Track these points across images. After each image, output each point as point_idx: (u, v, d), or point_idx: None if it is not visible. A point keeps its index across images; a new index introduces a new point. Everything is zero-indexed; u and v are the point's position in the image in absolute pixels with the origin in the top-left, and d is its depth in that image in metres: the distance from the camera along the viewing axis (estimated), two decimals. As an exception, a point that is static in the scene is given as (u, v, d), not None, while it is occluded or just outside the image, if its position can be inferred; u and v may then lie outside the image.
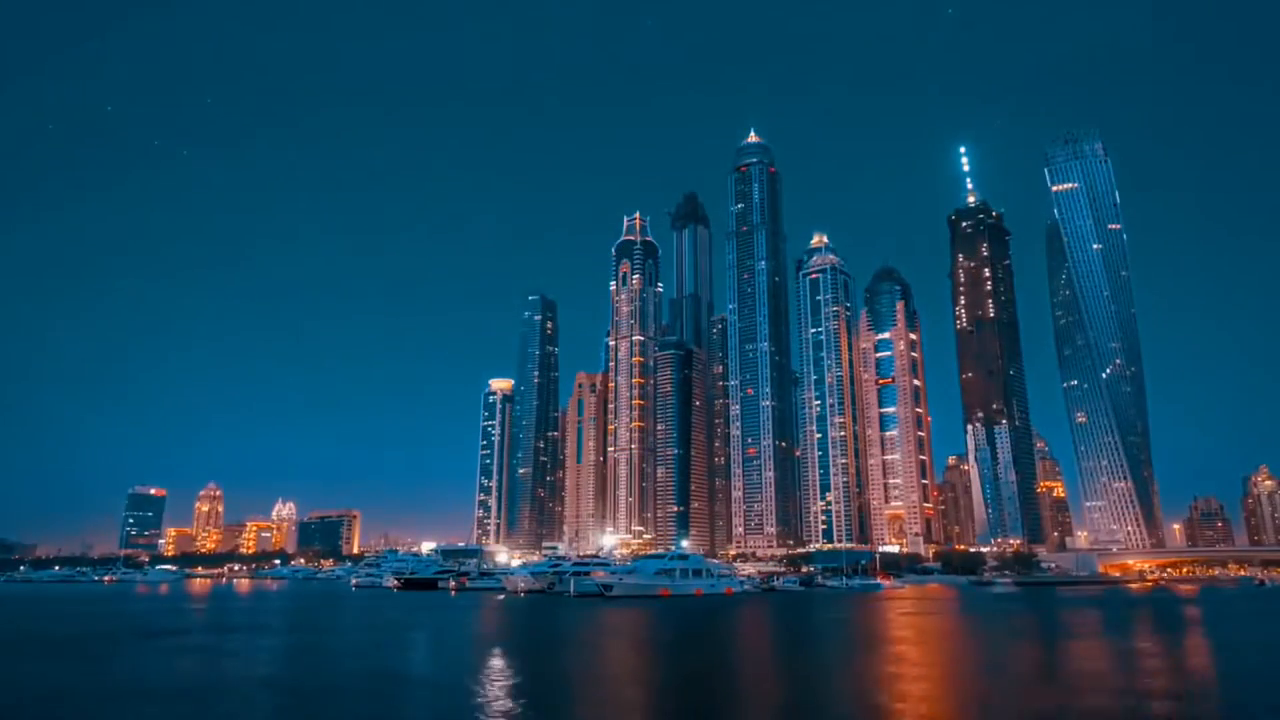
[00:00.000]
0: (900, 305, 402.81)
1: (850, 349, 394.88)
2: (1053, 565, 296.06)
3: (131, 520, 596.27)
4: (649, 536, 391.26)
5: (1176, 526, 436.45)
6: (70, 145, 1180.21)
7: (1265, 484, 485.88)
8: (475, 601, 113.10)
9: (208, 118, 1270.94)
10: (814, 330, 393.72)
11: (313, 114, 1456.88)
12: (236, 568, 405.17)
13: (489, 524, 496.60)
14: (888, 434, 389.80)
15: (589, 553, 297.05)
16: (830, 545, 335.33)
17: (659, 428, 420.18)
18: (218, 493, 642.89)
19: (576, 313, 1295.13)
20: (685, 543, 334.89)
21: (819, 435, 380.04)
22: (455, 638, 59.14)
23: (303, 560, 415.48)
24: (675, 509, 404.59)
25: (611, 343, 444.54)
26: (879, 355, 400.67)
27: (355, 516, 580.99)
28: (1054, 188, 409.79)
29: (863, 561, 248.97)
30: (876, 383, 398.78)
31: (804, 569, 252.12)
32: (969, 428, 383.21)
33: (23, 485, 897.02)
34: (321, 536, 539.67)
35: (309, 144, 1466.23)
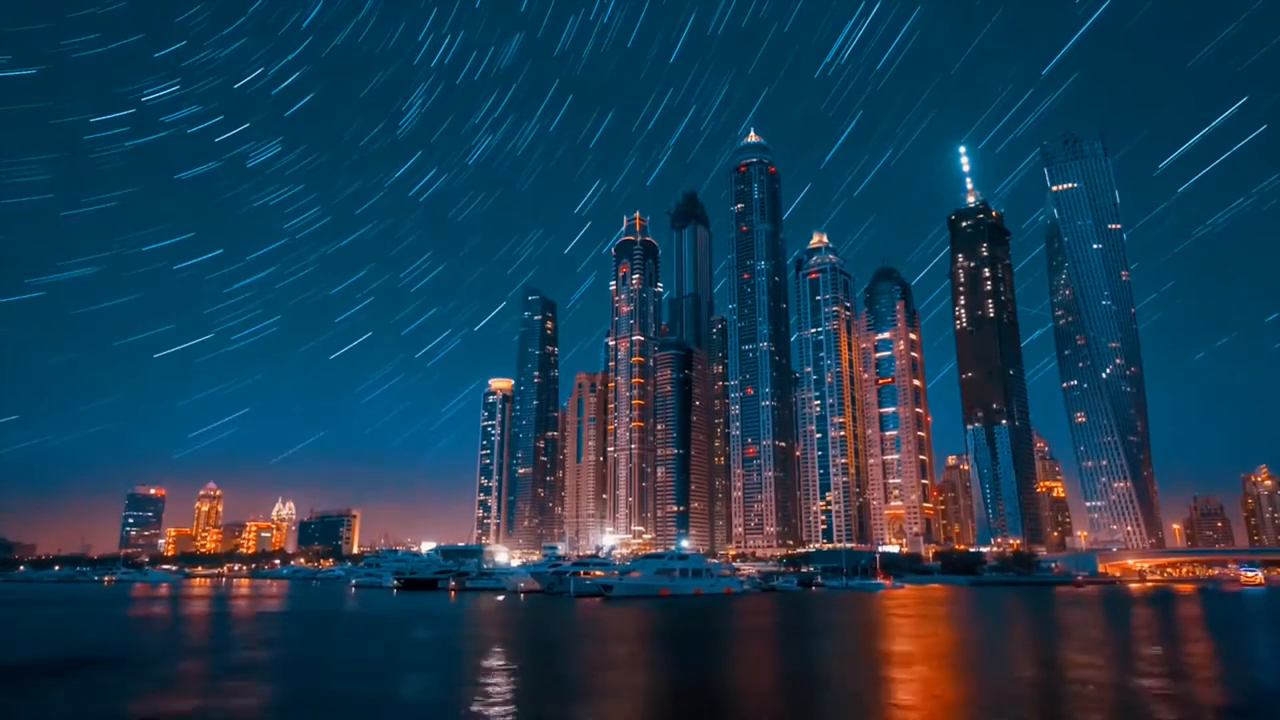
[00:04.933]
0: (900, 305, 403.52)
1: (850, 349, 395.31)
2: (1055, 565, 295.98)
3: (131, 520, 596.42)
4: (649, 536, 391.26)
5: (1176, 526, 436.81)
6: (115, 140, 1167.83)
7: (1265, 484, 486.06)
8: (476, 603, 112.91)
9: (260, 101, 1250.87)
10: (814, 330, 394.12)
11: (314, 111, 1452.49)
12: (236, 568, 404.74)
13: (489, 524, 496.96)
14: (888, 434, 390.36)
15: (589, 553, 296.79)
16: (830, 545, 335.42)
17: (659, 428, 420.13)
18: (218, 493, 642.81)
19: (576, 313, 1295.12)
20: (685, 543, 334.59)
21: (819, 435, 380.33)
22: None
23: (303, 560, 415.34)
24: (675, 509, 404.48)
25: (611, 343, 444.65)
26: (879, 355, 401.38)
27: (355, 516, 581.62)
28: (1054, 188, 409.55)
29: (863, 562, 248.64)
30: (876, 383, 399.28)
31: (803, 569, 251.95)
32: (969, 428, 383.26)
33: (23, 485, 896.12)
34: (321, 536, 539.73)
35: (302, 140, 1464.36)
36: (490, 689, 32.47)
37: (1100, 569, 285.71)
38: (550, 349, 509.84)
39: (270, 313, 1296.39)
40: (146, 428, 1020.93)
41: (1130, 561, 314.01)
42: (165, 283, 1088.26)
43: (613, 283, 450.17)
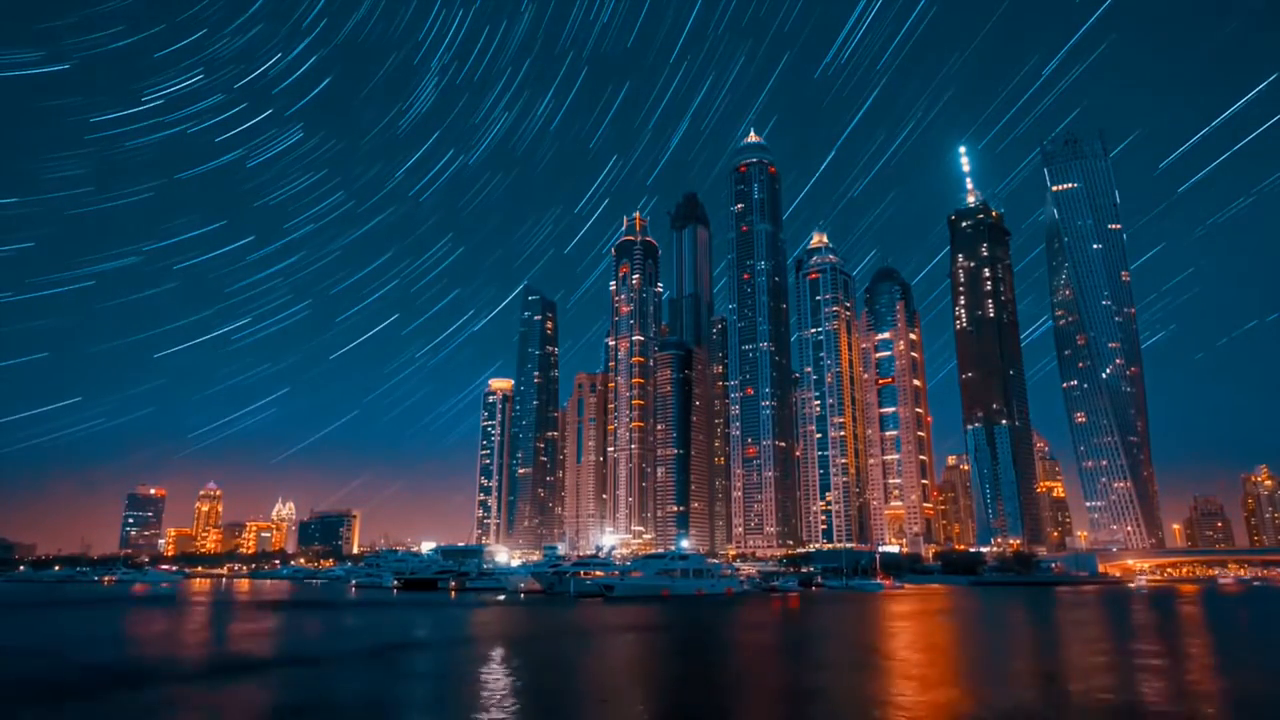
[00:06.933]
0: (900, 305, 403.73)
1: (850, 349, 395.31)
2: (1055, 565, 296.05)
3: (131, 520, 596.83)
4: (649, 536, 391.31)
5: (1176, 526, 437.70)
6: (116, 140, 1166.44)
7: (1265, 484, 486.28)
8: (478, 604, 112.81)
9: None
10: (814, 330, 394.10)
11: (332, 97, 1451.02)
12: (236, 568, 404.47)
13: (489, 524, 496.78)
14: (888, 434, 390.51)
15: (589, 553, 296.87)
16: (830, 545, 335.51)
17: (659, 428, 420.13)
18: (218, 493, 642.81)
19: (576, 313, 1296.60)
20: (685, 543, 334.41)
21: (819, 435, 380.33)
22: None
23: (303, 560, 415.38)
24: (675, 509, 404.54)
25: (611, 343, 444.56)
26: (879, 355, 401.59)
27: (355, 516, 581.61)
28: (1054, 188, 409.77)
29: (863, 562, 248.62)
30: (876, 383, 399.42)
31: (804, 569, 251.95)
32: (969, 428, 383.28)
33: (23, 485, 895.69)
34: (321, 536, 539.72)
35: (321, 126, 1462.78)
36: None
37: (1100, 569, 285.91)
38: (550, 349, 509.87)
39: (274, 312, 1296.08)
40: (146, 427, 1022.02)
41: (1130, 561, 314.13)
42: (176, 277, 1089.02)
43: (613, 283, 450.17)
